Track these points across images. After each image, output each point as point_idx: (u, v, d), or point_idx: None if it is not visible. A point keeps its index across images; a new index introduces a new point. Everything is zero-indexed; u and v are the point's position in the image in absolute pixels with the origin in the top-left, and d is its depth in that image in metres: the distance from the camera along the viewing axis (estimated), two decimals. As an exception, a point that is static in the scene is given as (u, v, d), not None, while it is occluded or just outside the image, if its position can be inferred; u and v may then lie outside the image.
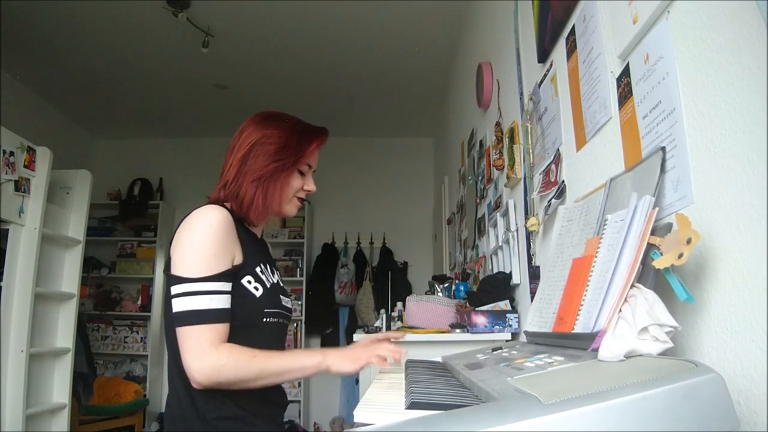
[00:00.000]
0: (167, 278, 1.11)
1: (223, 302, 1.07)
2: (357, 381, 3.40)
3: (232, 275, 1.10)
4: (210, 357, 1.03)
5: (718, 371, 0.55)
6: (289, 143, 1.21)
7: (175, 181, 5.29)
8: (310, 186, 1.28)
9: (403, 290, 4.68)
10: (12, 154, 2.67)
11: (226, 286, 1.09)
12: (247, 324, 1.12)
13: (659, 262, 0.74)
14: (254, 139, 1.20)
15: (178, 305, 1.05)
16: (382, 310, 2.33)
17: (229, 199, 1.19)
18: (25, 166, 2.76)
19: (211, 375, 1.02)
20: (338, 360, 1.11)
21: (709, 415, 0.53)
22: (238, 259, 1.13)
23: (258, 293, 1.14)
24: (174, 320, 1.06)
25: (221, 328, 1.06)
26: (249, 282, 1.14)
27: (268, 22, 3.48)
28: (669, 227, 0.80)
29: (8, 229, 2.74)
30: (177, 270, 1.07)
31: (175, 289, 1.06)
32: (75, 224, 3.19)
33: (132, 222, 5.11)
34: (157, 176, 5.27)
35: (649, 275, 0.77)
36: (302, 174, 1.26)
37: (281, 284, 1.26)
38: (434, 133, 5.25)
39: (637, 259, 0.77)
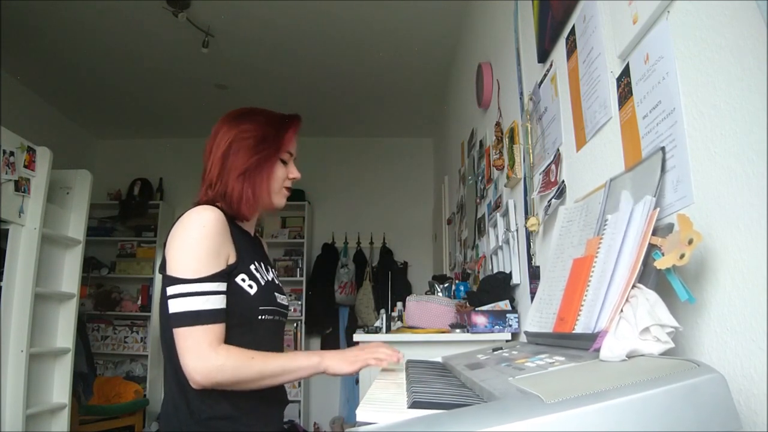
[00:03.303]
0: (162, 279, 1.11)
1: (218, 302, 1.08)
2: (357, 381, 3.40)
3: (226, 275, 1.11)
4: (209, 358, 1.03)
5: (719, 371, 0.55)
6: (267, 134, 1.22)
7: (175, 181, 5.28)
8: (295, 173, 1.28)
9: (403, 290, 4.68)
10: (12, 154, 2.66)
11: (221, 286, 1.09)
12: (243, 322, 1.12)
13: (661, 263, 0.74)
14: (231, 136, 1.20)
15: (175, 306, 1.06)
16: (382, 310, 2.33)
17: (218, 198, 1.19)
18: (25, 166, 2.76)
19: (210, 375, 1.03)
20: (336, 361, 1.15)
21: (710, 415, 0.53)
22: (232, 258, 1.13)
23: (252, 291, 1.15)
24: (171, 321, 1.06)
25: (218, 329, 1.07)
26: (243, 280, 1.14)
27: (268, 22, 3.48)
28: (670, 227, 0.80)
29: (8, 229, 2.73)
30: (172, 271, 1.08)
31: (170, 290, 1.07)
32: (75, 224, 3.19)
33: (132, 222, 5.11)
34: (157, 176, 5.27)
35: (650, 275, 0.77)
36: (284, 163, 1.26)
37: (277, 282, 1.26)
38: (434, 133, 5.25)
39: (638, 260, 0.77)
